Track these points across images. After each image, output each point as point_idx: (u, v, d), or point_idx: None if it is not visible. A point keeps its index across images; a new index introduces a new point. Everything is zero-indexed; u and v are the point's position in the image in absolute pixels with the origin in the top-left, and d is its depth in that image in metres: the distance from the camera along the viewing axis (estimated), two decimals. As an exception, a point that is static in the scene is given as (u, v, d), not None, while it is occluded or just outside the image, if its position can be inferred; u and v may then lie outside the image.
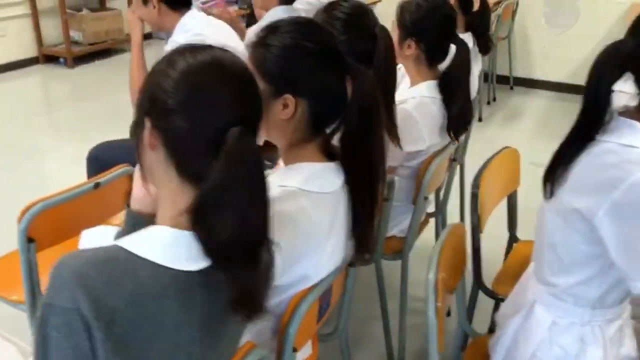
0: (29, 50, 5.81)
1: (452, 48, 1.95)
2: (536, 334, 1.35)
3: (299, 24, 1.27)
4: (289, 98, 1.23)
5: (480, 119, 4.63)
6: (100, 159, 2.55)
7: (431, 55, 1.94)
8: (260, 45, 1.28)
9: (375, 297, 2.13)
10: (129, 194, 1.13)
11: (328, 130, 1.30)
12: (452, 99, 1.89)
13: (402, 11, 1.92)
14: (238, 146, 0.91)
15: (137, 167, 1.06)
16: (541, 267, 1.37)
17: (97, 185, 1.73)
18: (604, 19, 5.10)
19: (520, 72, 5.50)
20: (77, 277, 0.86)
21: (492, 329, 1.72)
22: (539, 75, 5.52)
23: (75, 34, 5.89)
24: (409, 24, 1.90)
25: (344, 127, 1.25)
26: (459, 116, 1.92)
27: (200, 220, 0.90)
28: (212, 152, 0.91)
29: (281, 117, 1.24)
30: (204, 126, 0.93)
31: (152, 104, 0.96)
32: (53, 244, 1.69)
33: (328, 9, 1.69)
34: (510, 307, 1.47)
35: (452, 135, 1.98)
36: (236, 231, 0.90)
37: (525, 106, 5.14)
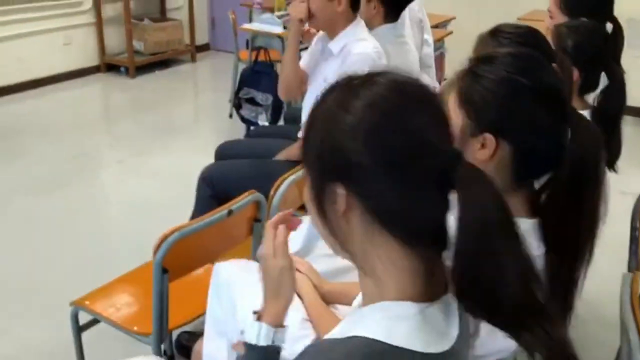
0: (91, 58, 5.80)
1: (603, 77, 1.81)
2: None
3: (519, 57, 1.12)
4: (488, 138, 1.08)
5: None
6: (215, 181, 2.47)
7: (586, 84, 1.79)
8: (469, 74, 1.14)
9: None
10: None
11: (537, 185, 1.14)
12: (609, 134, 1.74)
13: (559, 35, 1.78)
14: (473, 185, 0.75)
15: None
16: None
17: (230, 213, 1.62)
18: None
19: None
20: None
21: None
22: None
23: (137, 44, 5.86)
24: (571, 49, 1.75)
25: (553, 183, 1.10)
26: (614, 150, 1.77)
27: (471, 286, 0.75)
28: (439, 202, 0.76)
29: (477, 156, 1.10)
30: (421, 173, 0.76)
31: (338, 167, 0.77)
32: (183, 273, 1.58)
33: (495, 35, 1.55)
34: None
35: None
36: (517, 286, 0.74)
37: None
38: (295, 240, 1.99)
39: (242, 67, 4.84)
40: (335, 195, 0.78)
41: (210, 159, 4.09)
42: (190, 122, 5.10)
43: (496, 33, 1.55)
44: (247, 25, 4.23)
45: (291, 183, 1.81)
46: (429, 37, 3.10)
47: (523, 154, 1.08)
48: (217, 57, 6.78)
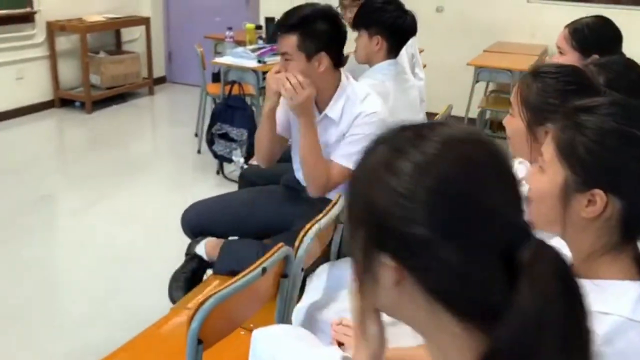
0: (45, 93, 5.51)
1: None
2: None
3: (623, 106, 1.04)
4: (598, 194, 0.99)
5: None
6: (196, 223, 2.30)
7: None
8: (569, 125, 1.05)
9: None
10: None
11: None
12: None
13: (590, 74, 1.73)
14: (542, 263, 0.66)
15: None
16: None
17: (264, 271, 1.47)
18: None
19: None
20: None
21: None
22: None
23: (93, 77, 5.62)
24: (605, 86, 1.70)
25: None
26: None
27: None
28: (500, 278, 0.66)
29: (583, 214, 1.01)
30: (484, 247, 0.66)
31: (386, 236, 0.68)
32: (215, 342, 1.41)
33: (539, 76, 1.48)
34: None
35: None
36: None
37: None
38: (316, 289, 1.87)
39: (209, 100, 4.71)
40: (383, 267, 0.69)
41: (182, 197, 3.93)
42: (155, 159, 4.86)
43: (539, 74, 1.49)
44: (220, 59, 4.09)
45: (314, 236, 1.69)
46: (420, 71, 3.06)
47: (636, 209, 1.00)
48: (174, 90, 6.59)
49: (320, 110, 2.13)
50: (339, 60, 2.09)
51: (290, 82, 1.98)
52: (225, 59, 4.04)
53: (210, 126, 4.09)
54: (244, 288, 1.42)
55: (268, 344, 1.36)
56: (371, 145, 0.74)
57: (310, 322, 1.73)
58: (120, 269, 3.05)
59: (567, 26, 2.20)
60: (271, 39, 4.41)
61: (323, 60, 2.04)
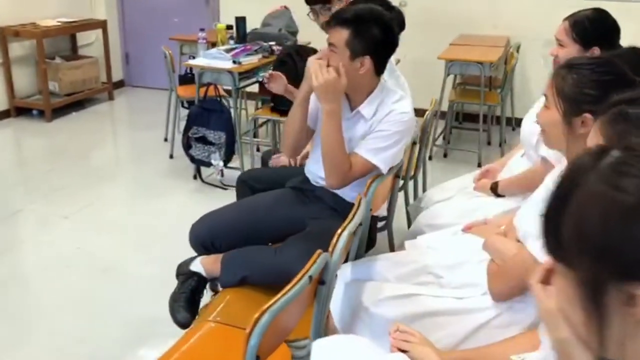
0: (0, 102, 5.25)
1: None
2: None
3: None
4: None
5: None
6: (207, 237, 2.24)
7: None
8: (616, 117, 1.08)
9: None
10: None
11: None
12: None
13: None
14: None
15: None
16: None
17: (310, 279, 1.44)
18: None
19: (521, 113, 5.52)
20: None
21: None
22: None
23: (51, 84, 5.40)
24: None
25: None
26: None
27: None
28: None
29: None
30: None
31: (633, 263, 0.66)
32: (269, 354, 1.37)
33: (573, 68, 1.50)
34: None
35: None
36: None
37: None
38: (345, 286, 1.85)
39: (177, 104, 4.60)
40: (630, 298, 0.67)
41: (161, 205, 3.82)
42: (125, 167, 4.71)
43: (574, 66, 1.51)
44: (193, 61, 3.99)
45: (346, 240, 1.66)
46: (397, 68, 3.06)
47: None
48: (134, 94, 6.41)
49: (352, 108, 2.12)
50: (381, 68, 2.09)
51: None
52: (199, 61, 3.94)
53: (186, 130, 3.99)
54: (295, 299, 1.38)
55: (331, 354, 1.33)
56: (574, 166, 0.72)
57: (353, 317, 1.73)
58: (107, 284, 2.94)
59: (567, 19, 2.24)
60: (242, 38, 4.34)
61: (366, 63, 2.02)
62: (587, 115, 1.44)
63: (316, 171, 2.24)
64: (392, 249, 2.63)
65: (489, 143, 5.05)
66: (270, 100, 4.18)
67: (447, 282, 1.78)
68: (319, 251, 1.54)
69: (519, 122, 5.48)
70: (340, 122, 2.05)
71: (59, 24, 5.47)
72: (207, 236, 2.25)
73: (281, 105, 4.06)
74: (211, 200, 3.91)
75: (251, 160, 4.25)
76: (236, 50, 3.99)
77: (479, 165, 4.53)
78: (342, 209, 2.18)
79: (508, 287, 1.56)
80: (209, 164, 4.00)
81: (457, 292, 1.71)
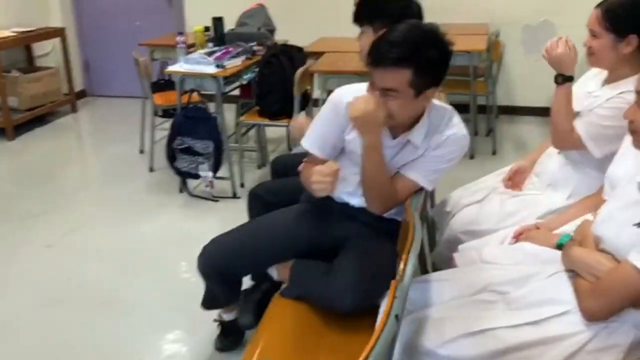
0: (-45, 123, 4.86)
1: None
2: None
3: None
4: None
5: (494, 153, 4.53)
6: (224, 265, 2.03)
7: None
8: None
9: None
10: None
11: None
12: None
13: None
14: None
15: None
16: None
17: (397, 319, 1.25)
18: (577, 43, 5.22)
19: (504, 100, 5.45)
20: None
21: None
22: (521, 101, 5.51)
23: (10, 100, 5.02)
24: None
25: None
26: None
27: None
28: None
29: None
30: None
31: None
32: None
33: None
34: None
35: None
36: None
37: (523, 134, 5.08)
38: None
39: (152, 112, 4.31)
40: None
41: (149, 224, 3.55)
42: (102, 184, 4.35)
43: None
44: (175, 67, 3.72)
45: (414, 263, 1.48)
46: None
47: None
48: (98, 105, 6.06)
49: (395, 135, 1.86)
50: (438, 86, 1.78)
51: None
52: (180, 67, 3.68)
53: (170, 141, 3.72)
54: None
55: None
56: None
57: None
58: (110, 318, 2.67)
59: (599, 6, 2.09)
60: (220, 40, 4.09)
61: (429, 95, 1.76)
62: (633, 36, 1.35)
63: (348, 199, 2.05)
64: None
65: (475, 133, 4.93)
66: (256, 104, 3.97)
67: (514, 299, 1.61)
68: (394, 282, 1.36)
69: (502, 110, 5.44)
70: (382, 154, 1.82)
71: (14, 34, 5.09)
72: (224, 265, 2.03)
73: (268, 109, 3.85)
74: (203, 214, 3.67)
75: (240, 169, 4.02)
76: (218, 54, 3.74)
77: (472, 157, 4.42)
78: (380, 225, 2.00)
79: (608, 307, 1.41)
80: (197, 176, 3.75)
81: (531, 313, 1.54)
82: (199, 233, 3.54)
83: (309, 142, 1.99)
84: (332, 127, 1.94)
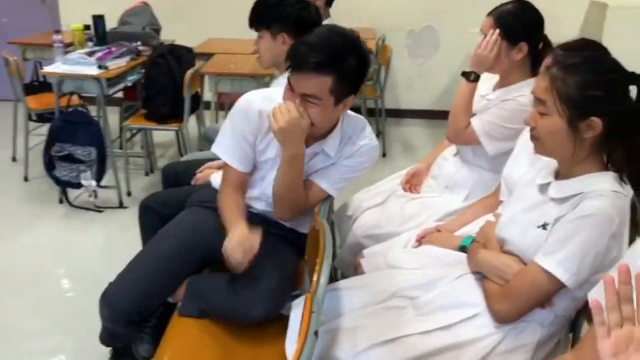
0: None
1: None
2: None
3: None
4: None
5: (384, 155, 4.62)
6: (135, 309, 1.83)
7: None
8: None
9: None
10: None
11: None
12: None
13: None
14: None
15: None
16: None
17: (317, 335, 1.19)
18: (458, 48, 5.47)
19: (389, 104, 5.58)
20: None
21: None
22: (406, 104, 5.68)
23: None
24: None
25: None
26: None
27: None
28: None
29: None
30: None
31: None
32: None
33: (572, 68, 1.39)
34: None
35: None
36: None
37: (410, 136, 5.22)
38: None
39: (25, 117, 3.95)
40: None
41: (27, 239, 3.24)
42: None
43: (570, 67, 1.40)
44: (52, 68, 3.43)
45: (328, 273, 1.43)
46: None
47: None
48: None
49: (307, 144, 1.79)
50: (356, 95, 1.74)
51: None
52: (57, 67, 3.40)
53: (48, 148, 3.43)
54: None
55: None
56: None
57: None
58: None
59: (490, 14, 2.16)
60: (102, 40, 3.84)
61: (348, 102, 1.72)
62: (594, 119, 1.35)
63: (251, 203, 1.98)
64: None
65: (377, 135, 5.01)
66: (143, 107, 3.77)
67: (423, 303, 1.61)
68: (308, 296, 1.30)
69: (389, 113, 5.57)
70: (303, 164, 1.77)
71: None
72: (132, 310, 1.79)
73: (156, 112, 3.66)
74: (86, 226, 3.42)
75: (126, 176, 3.79)
76: (99, 54, 3.50)
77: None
78: (281, 232, 1.96)
79: (518, 308, 1.43)
80: (78, 185, 3.49)
81: (441, 317, 1.54)
82: (83, 247, 3.33)
83: (227, 155, 1.87)
84: (246, 137, 1.85)
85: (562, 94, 1.36)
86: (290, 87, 1.69)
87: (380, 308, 1.63)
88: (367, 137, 1.86)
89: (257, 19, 2.33)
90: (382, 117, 5.00)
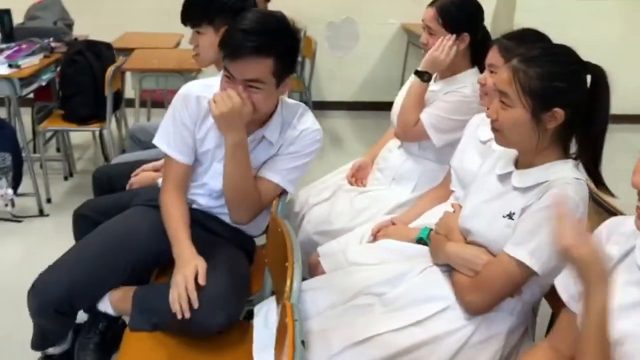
0: None
1: None
2: None
3: None
4: None
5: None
6: (65, 297, 1.73)
7: None
8: None
9: None
10: None
11: None
12: None
13: None
14: None
15: None
16: None
17: (304, 344, 1.14)
18: (378, 39, 5.53)
19: (313, 96, 5.55)
20: None
21: None
22: (330, 96, 5.68)
23: None
24: None
25: None
26: None
27: None
28: None
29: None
30: None
31: None
32: None
33: (533, 61, 1.41)
34: None
35: None
36: None
37: (336, 127, 5.22)
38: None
39: None
40: None
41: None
42: None
43: (531, 59, 1.41)
44: (-45, 69, 3.14)
45: (300, 276, 1.38)
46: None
47: None
48: None
49: (248, 131, 1.75)
50: (292, 74, 1.76)
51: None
52: (-38, 67, 3.12)
53: (-44, 156, 3.15)
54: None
55: None
56: None
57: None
58: None
59: (432, 5, 2.17)
60: (9, 36, 3.56)
61: (288, 84, 1.71)
62: (558, 110, 1.37)
63: (196, 199, 1.91)
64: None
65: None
66: (60, 107, 3.54)
67: (392, 299, 1.59)
68: (288, 304, 1.24)
69: (314, 105, 5.54)
70: (248, 153, 1.73)
71: None
72: (62, 299, 1.71)
73: (75, 113, 3.45)
74: (4, 238, 3.17)
75: (44, 182, 3.55)
76: (9, 52, 3.25)
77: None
78: (228, 232, 1.91)
79: (490, 299, 1.44)
80: (-9, 194, 3.22)
81: (412, 312, 1.53)
82: (2, 260, 3.08)
83: (168, 146, 1.84)
84: (186, 124, 1.82)
85: (525, 86, 1.37)
86: (228, 77, 1.66)
87: (348, 307, 1.59)
88: (308, 121, 1.85)
89: (197, 14, 2.21)
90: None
